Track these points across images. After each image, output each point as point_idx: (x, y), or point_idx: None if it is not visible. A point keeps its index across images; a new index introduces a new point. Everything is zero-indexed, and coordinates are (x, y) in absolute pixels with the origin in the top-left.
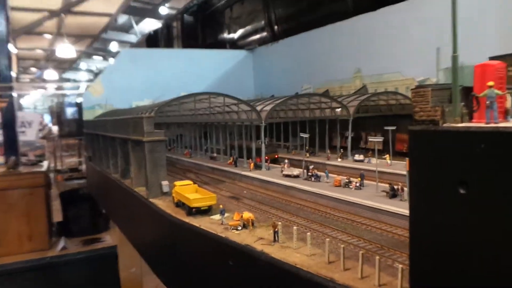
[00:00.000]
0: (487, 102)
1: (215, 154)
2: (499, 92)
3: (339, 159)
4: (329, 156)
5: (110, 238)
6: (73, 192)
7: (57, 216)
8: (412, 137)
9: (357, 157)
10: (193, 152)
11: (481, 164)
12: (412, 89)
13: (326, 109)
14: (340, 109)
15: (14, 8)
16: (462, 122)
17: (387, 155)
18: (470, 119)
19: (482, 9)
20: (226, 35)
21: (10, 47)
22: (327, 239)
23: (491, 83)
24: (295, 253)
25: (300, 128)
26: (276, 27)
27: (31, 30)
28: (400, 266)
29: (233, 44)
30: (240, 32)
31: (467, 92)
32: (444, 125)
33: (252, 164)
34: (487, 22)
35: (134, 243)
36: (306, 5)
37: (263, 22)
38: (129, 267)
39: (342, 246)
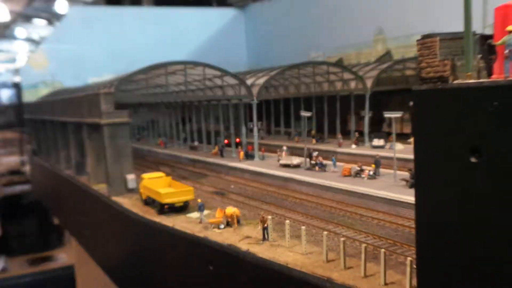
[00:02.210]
0: (506, 52)
1: (196, 143)
2: None
3: (354, 145)
4: (340, 142)
5: (66, 255)
6: (15, 200)
7: None
8: (416, 99)
9: (376, 142)
10: (168, 142)
11: (495, 126)
12: (417, 40)
13: (336, 82)
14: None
15: None
16: (479, 78)
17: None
18: (489, 75)
19: None
20: None
21: None
22: (325, 233)
23: (510, 27)
24: (288, 251)
25: (304, 108)
26: None
27: None
28: (409, 258)
29: (220, 0)
30: None
31: (485, 41)
32: (455, 82)
33: (242, 153)
34: None
35: (96, 259)
36: None
37: None
38: None
39: (342, 239)
